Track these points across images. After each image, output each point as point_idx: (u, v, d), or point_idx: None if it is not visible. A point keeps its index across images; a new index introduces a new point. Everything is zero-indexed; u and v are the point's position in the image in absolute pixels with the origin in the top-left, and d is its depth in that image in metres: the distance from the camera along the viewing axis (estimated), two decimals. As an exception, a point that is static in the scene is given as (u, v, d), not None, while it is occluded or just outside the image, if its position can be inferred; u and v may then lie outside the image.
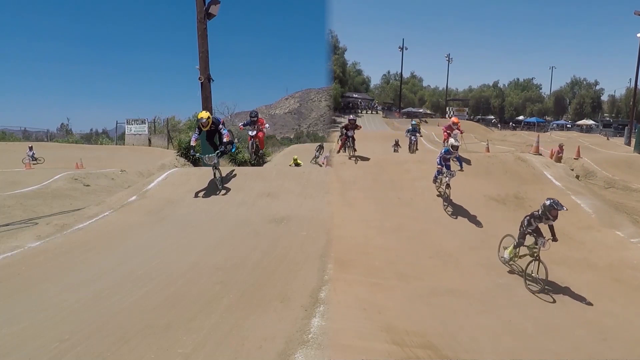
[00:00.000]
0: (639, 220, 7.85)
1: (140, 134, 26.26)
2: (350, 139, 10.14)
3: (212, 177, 8.95)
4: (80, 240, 6.53)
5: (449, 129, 11.68)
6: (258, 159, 11.97)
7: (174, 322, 4.06)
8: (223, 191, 8.70)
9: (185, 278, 5.12)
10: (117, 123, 28.16)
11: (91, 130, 44.16)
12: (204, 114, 8.77)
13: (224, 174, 9.32)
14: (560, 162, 13.71)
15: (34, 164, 18.68)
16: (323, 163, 15.46)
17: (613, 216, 7.61)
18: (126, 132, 26.64)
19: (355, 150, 10.08)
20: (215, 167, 8.92)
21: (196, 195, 8.57)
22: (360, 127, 10.42)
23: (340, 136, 10.59)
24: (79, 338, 3.79)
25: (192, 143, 8.93)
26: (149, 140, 25.99)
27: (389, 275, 5.63)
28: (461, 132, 11.73)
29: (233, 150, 9.86)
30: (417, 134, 13.76)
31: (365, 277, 5.48)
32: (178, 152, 18.22)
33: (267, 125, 11.15)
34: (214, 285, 4.91)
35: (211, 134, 9.06)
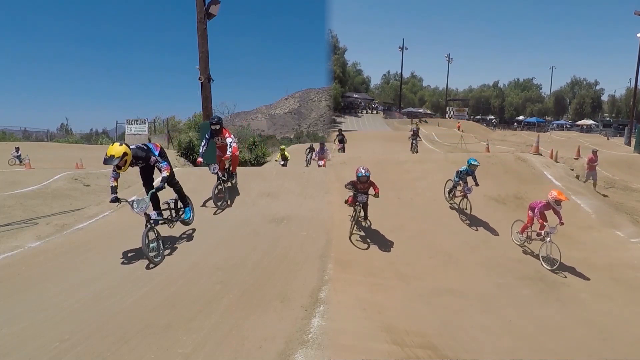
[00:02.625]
0: (639, 220, 7.85)
1: (140, 134, 26.33)
2: (362, 205, 6.69)
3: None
4: (80, 240, 6.53)
5: (545, 209, 6.41)
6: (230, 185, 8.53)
7: (174, 322, 4.06)
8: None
9: (185, 278, 5.12)
10: (117, 123, 28.33)
11: (91, 130, 44.22)
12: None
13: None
14: (594, 170, 12.85)
15: (19, 164, 18.62)
16: (322, 159, 14.74)
17: (613, 216, 7.62)
18: (126, 132, 26.72)
19: (366, 218, 6.92)
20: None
21: (196, 195, 8.55)
22: (377, 190, 6.57)
23: (347, 186, 6.74)
24: (79, 338, 3.79)
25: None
26: (149, 140, 26.02)
27: (389, 275, 5.63)
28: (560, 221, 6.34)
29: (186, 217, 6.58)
30: (471, 183, 7.67)
31: (365, 277, 5.48)
32: (178, 152, 18.23)
33: (233, 139, 8.17)
34: (214, 285, 4.91)
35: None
